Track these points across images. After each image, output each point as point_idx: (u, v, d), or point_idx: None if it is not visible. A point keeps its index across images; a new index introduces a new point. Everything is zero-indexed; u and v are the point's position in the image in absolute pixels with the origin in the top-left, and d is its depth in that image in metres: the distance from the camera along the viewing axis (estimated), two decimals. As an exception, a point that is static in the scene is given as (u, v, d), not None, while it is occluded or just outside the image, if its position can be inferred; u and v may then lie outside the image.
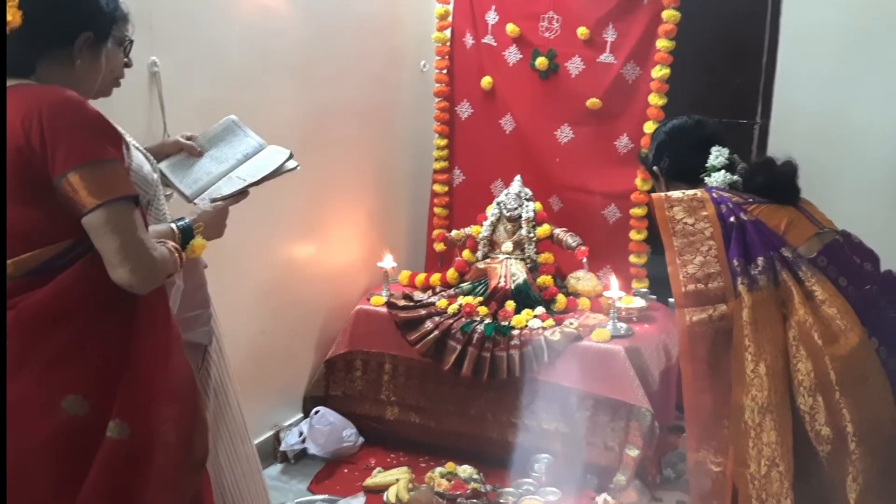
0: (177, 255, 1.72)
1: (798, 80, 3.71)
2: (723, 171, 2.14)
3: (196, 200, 2.10)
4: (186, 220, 1.90)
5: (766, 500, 1.83)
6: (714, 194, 2.06)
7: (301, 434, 3.41)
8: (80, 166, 1.50)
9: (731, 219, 2.01)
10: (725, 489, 1.94)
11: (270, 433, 3.43)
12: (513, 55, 3.76)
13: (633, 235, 3.60)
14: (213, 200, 2.04)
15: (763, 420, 1.85)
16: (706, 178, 2.16)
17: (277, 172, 2.17)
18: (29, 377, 1.53)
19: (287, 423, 3.51)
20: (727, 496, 1.93)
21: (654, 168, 2.30)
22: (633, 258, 3.61)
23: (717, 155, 2.17)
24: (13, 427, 1.52)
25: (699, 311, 1.96)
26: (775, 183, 2.08)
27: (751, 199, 2.06)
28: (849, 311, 1.90)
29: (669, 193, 2.09)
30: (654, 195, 2.11)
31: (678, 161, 2.25)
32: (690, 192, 2.08)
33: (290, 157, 2.19)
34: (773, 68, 3.81)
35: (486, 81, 3.82)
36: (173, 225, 1.87)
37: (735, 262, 1.96)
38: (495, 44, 3.78)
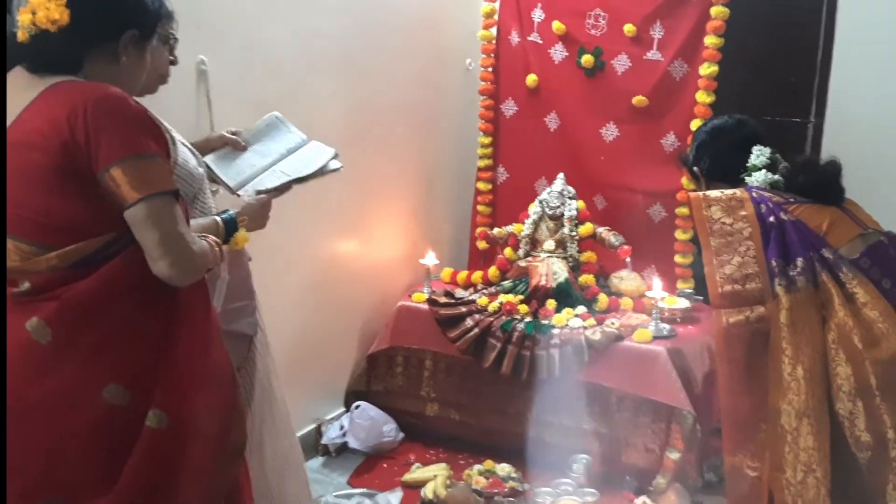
0: (217, 249, 1.74)
1: (854, 77, 3.64)
2: (763, 171, 2.10)
3: (240, 192, 2.13)
4: (230, 213, 1.93)
5: None
6: (754, 194, 2.03)
7: (342, 428, 3.45)
8: (122, 161, 1.53)
9: (771, 219, 1.97)
10: (762, 494, 1.90)
11: (312, 426, 3.47)
12: (558, 53, 3.74)
13: (679, 235, 3.56)
14: (258, 192, 2.07)
15: (800, 425, 1.81)
16: (746, 178, 2.12)
17: (322, 172, 2.20)
18: (72, 366, 1.57)
19: (329, 417, 3.55)
20: (763, 502, 1.90)
21: (695, 169, 2.27)
22: (678, 258, 3.57)
23: (759, 154, 2.13)
24: (56, 414, 1.56)
25: (736, 312, 1.93)
26: (817, 183, 2.04)
27: (792, 199, 2.02)
28: (891, 314, 1.87)
29: (708, 192, 2.06)
30: (692, 194, 2.09)
31: (719, 161, 2.21)
32: (729, 191, 2.04)
33: (335, 156, 2.21)
34: (829, 66, 3.72)
35: (532, 79, 3.80)
36: (217, 218, 1.90)
37: (773, 263, 1.92)
38: (541, 41, 3.76)
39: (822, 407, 1.83)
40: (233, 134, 2.24)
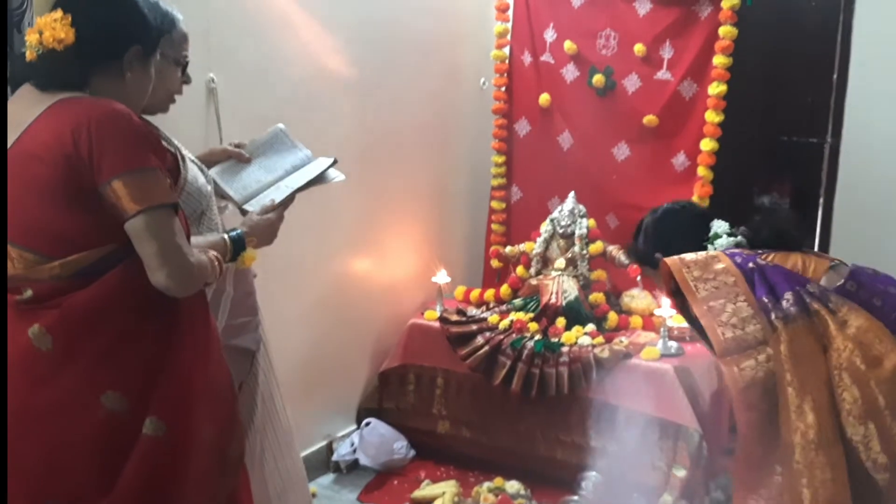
0: (217, 264, 1.76)
1: (871, 97, 3.62)
2: (725, 237, 2.15)
3: (246, 206, 2.16)
4: (238, 231, 1.95)
5: None
6: (726, 251, 2.08)
7: (353, 445, 3.46)
8: (123, 174, 1.56)
9: (750, 265, 2.00)
10: None
11: (323, 443, 3.49)
12: (570, 72, 3.76)
13: (690, 254, 3.54)
14: (265, 210, 2.10)
15: (816, 458, 1.79)
16: (710, 247, 2.16)
17: (321, 179, 2.22)
18: (72, 373, 1.60)
19: (340, 434, 3.56)
20: None
21: (657, 255, 2.24)
22: (689, 277, 3.55)
23: (719, 226, 2.19)
24: (56, 420, 1.60)
25: (744, 357, 1.92)
26: (780, 231, 2.11)
27: (761, 252, 2.07)
28: (886, 333, 1.87)
29: (682, 256, 2.07)
30: (668, 260, 2.08)
31: (683, 238, 2.22)
32: (702, 252, 2.09)
33: (335, 162, 2.23)
34: (845, 85, 3.71)
35: (544, 99, 3.83)
36: (225, 235, 1.92)
37: (765, 300, 1.93)
38: (553, 61, 3.80)
39: (835, 436, 1.81)
40: (236, 146, 2.26)
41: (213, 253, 1.78)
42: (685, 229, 2.24)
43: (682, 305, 2.13)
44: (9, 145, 1.61)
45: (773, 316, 1.91)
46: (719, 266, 2.00)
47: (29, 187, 1.60)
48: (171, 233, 1.61)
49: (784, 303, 1.92)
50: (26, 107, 1.64)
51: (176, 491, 1.67)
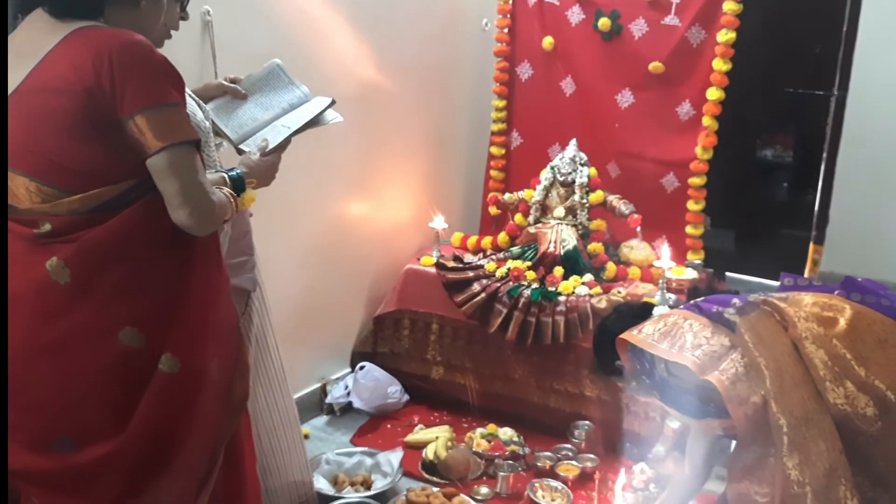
0: (233, 202, 1.76)
1: (880, 50, 3.56)
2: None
3: (242, 146, 2.11)
4: (238, 171, 1.92)
5: None
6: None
7: (347, 388, 3.47)
8: (146, 109, 1.54)
9: (689, 304, 2.17)
10: None
11: (317, 385, 3.50)
12: (575, 15, 3.67)
13: (691, 206, 3.50)
14: (264, 154, 2.05)
15: (807, 432, 1.82)
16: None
17: (319, 120, 2.17)
18: (89, 308, 1.59)
19: (334, 377, 3.57)
20: None
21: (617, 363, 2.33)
22: (689, 229, 3.51)
23: (659, 310, 2.35)
24: (72, 354, 1.60)
25: (721, 362, 1.97)
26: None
27: None
28: (833, 297, 1.99)
29: (629, 331, 2.19)
30: (621, 336, 2.20)
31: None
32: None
33: (332, 103, 2.18)
34: (854, 37, 3.63)
35: (548, 42, 3.74)
36: (225, 175, 1.89)
37: (714, 310, 2.06)
38: (558, 3, 3.70)
39: (821, 407, 1.84)
40: (232, 81, 2.21)
41: (227, 190, 1.78)
42: (631, 321, 2.32)
43: (650, 385, 2.24)
44: (23, 75, 1.57)
45: (726, 315, 2.03)
46: (667, 319, 2.15)
47: (46, 120, 1.57)
48: (193, 171, 1.60)
49: (732, 306, 2.05)
50: (40, 34, 1.60)
51: (185, 429, 1.68)
